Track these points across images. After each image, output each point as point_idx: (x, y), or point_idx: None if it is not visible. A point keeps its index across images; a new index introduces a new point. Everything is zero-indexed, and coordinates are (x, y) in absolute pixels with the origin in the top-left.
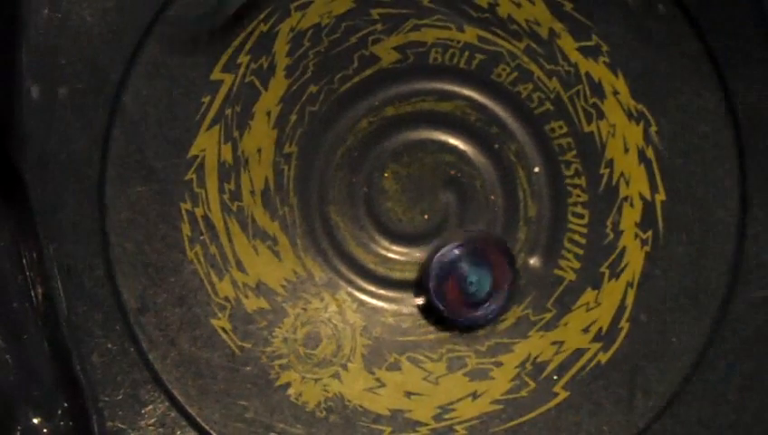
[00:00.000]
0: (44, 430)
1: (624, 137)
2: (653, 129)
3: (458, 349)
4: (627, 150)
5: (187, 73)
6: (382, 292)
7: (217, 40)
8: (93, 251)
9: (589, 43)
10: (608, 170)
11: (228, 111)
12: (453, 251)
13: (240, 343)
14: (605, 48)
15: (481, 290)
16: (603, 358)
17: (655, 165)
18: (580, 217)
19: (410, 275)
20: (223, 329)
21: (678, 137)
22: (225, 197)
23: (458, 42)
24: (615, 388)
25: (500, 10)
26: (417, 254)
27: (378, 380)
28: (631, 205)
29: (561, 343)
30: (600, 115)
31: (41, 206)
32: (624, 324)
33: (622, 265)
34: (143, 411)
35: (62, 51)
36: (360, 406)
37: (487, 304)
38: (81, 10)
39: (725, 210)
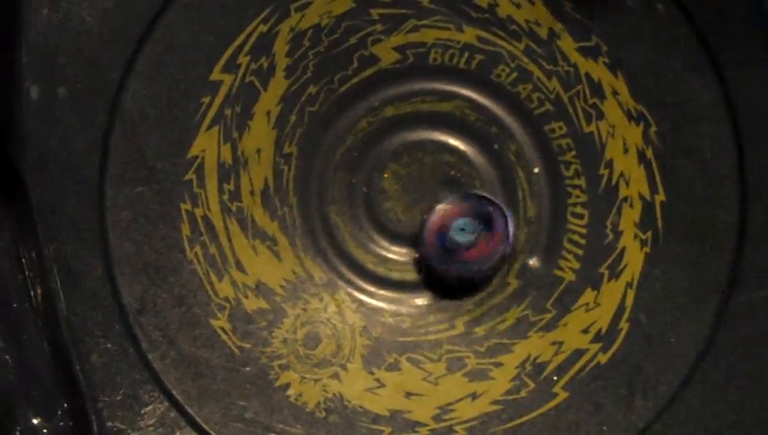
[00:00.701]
0: (44, 431)
1: (624, 137)
2: (652, 129)
3: (458, 349)
4: (626, 151)
5: (186, 74)
6: (382, 292)
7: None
8: (93, 251)
9: (588, 44)
10: (607, 171)
11: (228, 112)
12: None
13: (239, 344)
14: (604, 48)
15: (462, 238)
16: (603, 358)
17: (654, 165)
18: (580, 217)
19: (410, 275)
20: (222, 329)
21: (678, 137)
22: (225, 197)
23: (458, 42)
24: (614, 388)
25: (500, 10)
26: (417, 254)
27: (377, 380)
28: (631, 205)
29: (561, 343)
30: (600, 115)
31: (41, 206)
32: (624, 325)
33: (622, 265)
34: (143, 412)
35: (61, 51)
36: (360, 406)
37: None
38: (81, 10)
39: (725, 210)
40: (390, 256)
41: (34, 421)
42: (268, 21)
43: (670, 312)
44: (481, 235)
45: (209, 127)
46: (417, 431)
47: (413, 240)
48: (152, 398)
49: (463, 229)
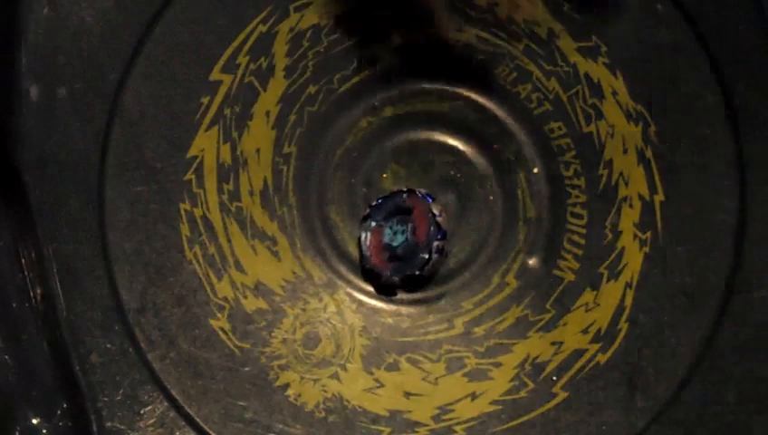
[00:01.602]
0: (43, 431)
1: (623, 137)
2: (652, 129)
3: (457, 349)
4: (626, 151)
5: (186, 74)
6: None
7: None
8: (92, 251)
9: (588, 44)
10: (607, 171)
11: (227, 112)
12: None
13: (239, 344)
14: (604, 48)
15: (397, 241)
16: (602, 359)
17: (654, 165)
18: (579, 217)
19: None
20: (222, 329)
21: (677, 137)
22: (224, 197)
23: (457, 42)
24: (614, 388)
25: (499, 10)
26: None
27: (377, 380)
28: (630, 205)
29: (560, 343)
30: (599, 115)
31: (40, 206)
32: (623, 325)
33: (621, 265)
34: (142, 412)
35: (61, 51)
36: (359, 406)
37: (410, 258)
38: (81, 10)
39: (724, 211)
40: None
41: (34, 421)
42: (267, 21)
43: (669, 312)
44: (409, 225)
45: (208, 127)
46: (417, 431)
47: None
48: (152, 398)
49: (395, 232)
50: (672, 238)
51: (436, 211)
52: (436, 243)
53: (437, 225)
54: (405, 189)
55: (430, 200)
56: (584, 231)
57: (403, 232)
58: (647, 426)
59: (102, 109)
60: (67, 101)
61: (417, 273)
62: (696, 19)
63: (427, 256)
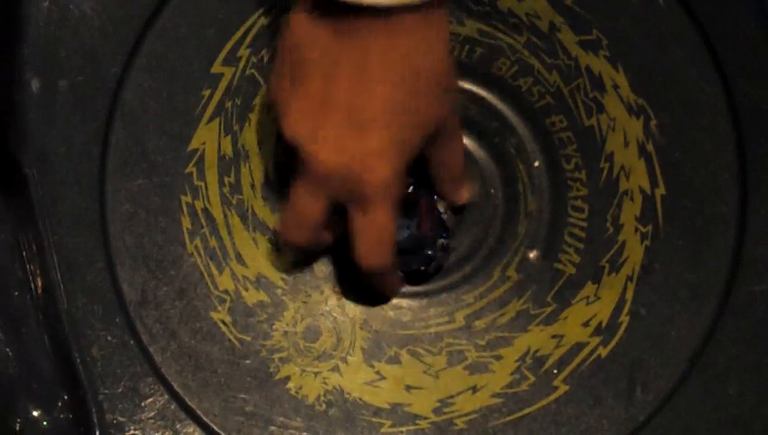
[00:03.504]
0: (44, 423)
1: (624, 131)
2: (653, 123)
3: (458, 342)
4: (627, 144)
5: (187, 67)
6: None
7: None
8: (93, 244)
9: (589, 37)
10: (608, 164)
11: (228, 105)
12: None
13: (240, 336)
14: (605, 42)
15: (401, 234)
16: (603, 352)
17: (655, 159)
18: (581, 210)
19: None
20: (223, 322)
21: (678, 131)
22: (225, 190)
23: (458, 35)
24: (615, 382)
25: (500, 3)
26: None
27: (377, 373)
28: (631, 199)
29: (561, 336)
30: (601, 109)
31: (41, 199)
32: (624, 318)
33: (622, 258)
34: (143, 404)
35: (62, 43)
36: (360, 399)
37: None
38: (82, 2)
39: (725, 204)
40: None
41: (35, 414)
42: (268, 14)
43: (670, 305)
44: (415, 220)
45: (210, 120)
46: (418, 424)
47: None
48: (152, 390)
49: (399, 226)
50: (673, 232)
51: (441, 209)
52: (440, 241)
53: (442, 222)
54: (411, 182)
55: (436, 197)
56: (585, 224)
57: (408, 226)
58: (647, 419)
59: (103, 102)
60: (68, 93)
61: (422, 269)
62: (697, 13)
63: (431, 253)
